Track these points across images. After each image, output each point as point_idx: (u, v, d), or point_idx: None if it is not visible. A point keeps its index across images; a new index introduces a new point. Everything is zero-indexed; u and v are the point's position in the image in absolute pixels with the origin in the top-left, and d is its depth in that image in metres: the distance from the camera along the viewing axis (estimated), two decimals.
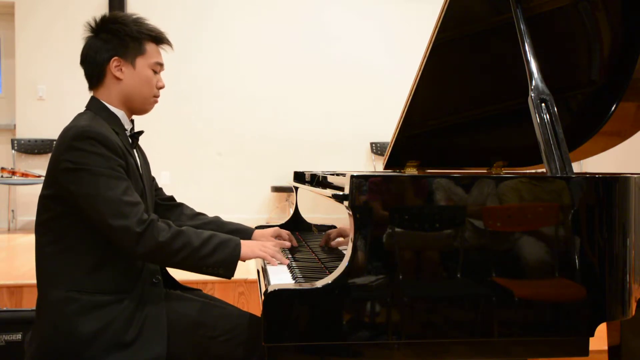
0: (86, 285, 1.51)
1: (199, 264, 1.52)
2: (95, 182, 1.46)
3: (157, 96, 1.70)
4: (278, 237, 1.91)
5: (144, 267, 1.59)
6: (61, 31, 5.86)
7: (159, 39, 1.69)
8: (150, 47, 1.66)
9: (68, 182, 1.48)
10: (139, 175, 1.63)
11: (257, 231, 1.93)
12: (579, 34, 1.99)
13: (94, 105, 1.63)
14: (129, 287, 1.55)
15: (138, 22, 1.66)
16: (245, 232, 1.91)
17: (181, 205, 1.94)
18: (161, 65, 1.69)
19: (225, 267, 1.53)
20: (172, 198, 1.94)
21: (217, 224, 1.89)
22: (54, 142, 6.24)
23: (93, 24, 1.65)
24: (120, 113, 1.64)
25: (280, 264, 1.64)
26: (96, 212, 1.46)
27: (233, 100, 6.25)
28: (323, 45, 6.36)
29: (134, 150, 1.68)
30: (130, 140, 1.66)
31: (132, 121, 1.70)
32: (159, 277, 1.63)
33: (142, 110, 1.69)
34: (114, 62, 1.61)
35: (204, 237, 1.53)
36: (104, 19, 1.66)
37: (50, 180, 1.54)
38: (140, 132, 1.70)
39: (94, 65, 1.63)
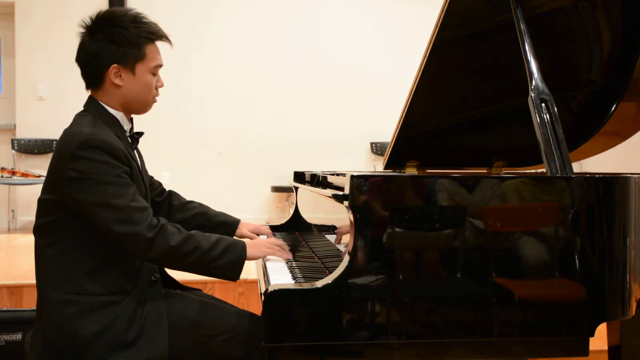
0: (86, 287, 1.51)
1: (208, 266, 1.53)
2: (103, 190, 1.46)
3: (156, 96, 1.68)
4: (259, 234, 1.97)
5: (142, 266, 1.59)
6: (61, 31, 5.85)
7: (159, 37, 1.64)
8: (149, 49, 1.61)
9: (74, 190, 1.47)
10: (141, 179, 1.63)
11: (242, 223, 1.96)
12: (579, 34, 1.99)
13: (93, 108, 1.61)
14: (129, 287, 1.55)
15: (137, 23, 1.60)
16: (232, 224, 1.95)
17: (170, 195, 1.94)
18: (161, 66, 1.66)
19: (232, 269, 1.55)
20: (162, 191, 1.93)
21: (204, 215, 1.92)
22: (54, 143, 6.18)
23: (89, 22, 1.60)
24: (119, 115, 1.62)
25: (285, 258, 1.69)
26: (104, 220, 1.46)
27: (233, 100, 6.24)
28: (323, 45, 6.36)
29: (134, 152, 1.67)
30: (130, 141, 1.65)
31: (130, 120, 1.69)
32: (157, 275, 1.63)
33: (141, 112, 1.68)
34: (112, 70, 1.57)
35: (212, 240, 1.54)
36: (99, 17, 1.60)
37: (53, 186, 1.53)
38: (141, 133, 1.69)
39: (92, 69, 1.60)
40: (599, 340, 1.63)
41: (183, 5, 6.19)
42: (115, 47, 1.57)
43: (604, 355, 2.04)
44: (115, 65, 1.57)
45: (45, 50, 5.96)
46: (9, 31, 6.13)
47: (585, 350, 1.39)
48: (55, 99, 5.94)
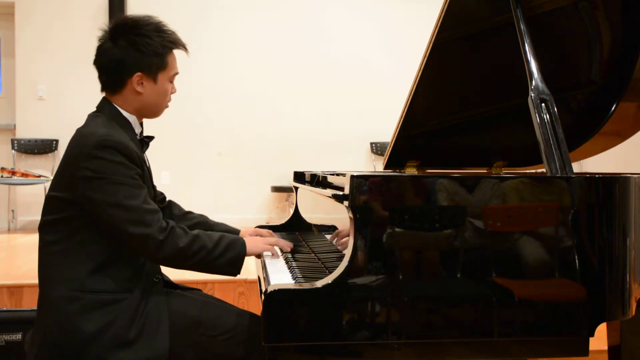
0: (88, 285, 1.51)
1: (212, 264, 1.57)
2: (116, 191, 1.48)
3: (169, 102, 1.70)
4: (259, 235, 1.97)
5: (144, 266, 1.60)
6: (61, 31, 5.85)
7: (179, 46, 1.66)
8: (170, 58, 1.65)
9: (88, 189, 1.49)
10: (150, 181, 1.66)
11: (242, 231, 1.97)
12: (579, 34, 1.99)
13: (108, 109, 1.62)
14: (131, 286, 1.56)
15: (160, 32, 1.61)
16: (232, 233, 1.93)
17: (170, 204, 1.95)
18: (177, 74, 1.69)
19: (234, 265, 1.59)
20: (163, 199, 1.94)
21: (205, 225, 1.93)
22: (54, 143, 6.13)
23: (112, 27, 1.61)
24: (132, 118, 1.64)
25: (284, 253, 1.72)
26: (116, 219, 1.48)
27: (233, 100, 6.25)
28: (323, 45, 6.36)
29: (144, 155, 1.69)
30: (140, 145, 1.66)
31: (141, 124, 1.70)
32: (159, 276, 1.65)
33: (153, 117, 1.70)
34: (136, 78, 1.59)
35: (215, 239, 1.58)
36: (123, 24, 1.61)
37: (64, 184, 1.54)
38: (151, 137, 1.71)
39: (114, 75, 1.61)
40: (599, 340, 1.63)
41: (183, 5, 6.19)
42: (140, 55, 1.59)
43: (604, 355, 2.04)
44: (139, 73, 1.59)
45: (45, 50, 5.95)
46: (9, 31, 6.12)
47: (585, 350, 1.39)
48: (55, 99, 5.94)
